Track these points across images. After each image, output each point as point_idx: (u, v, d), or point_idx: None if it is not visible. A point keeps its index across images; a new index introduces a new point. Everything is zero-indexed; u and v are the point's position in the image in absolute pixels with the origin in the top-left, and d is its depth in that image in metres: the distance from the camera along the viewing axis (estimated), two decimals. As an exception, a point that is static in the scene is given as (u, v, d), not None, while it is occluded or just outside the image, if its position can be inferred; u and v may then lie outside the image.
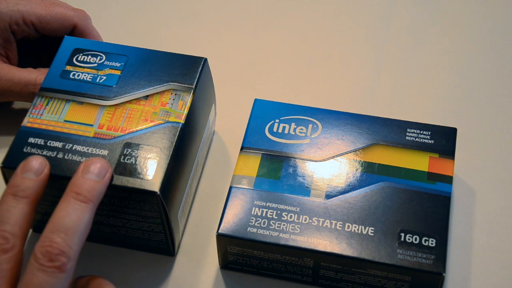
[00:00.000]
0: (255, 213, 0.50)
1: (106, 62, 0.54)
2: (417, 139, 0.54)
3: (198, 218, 0.56)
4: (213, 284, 0.53)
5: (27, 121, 0.51)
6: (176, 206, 0.51)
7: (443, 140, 0.54)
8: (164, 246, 0.53)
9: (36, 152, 0.49)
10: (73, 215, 0.44)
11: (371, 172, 0.52)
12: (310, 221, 0.50)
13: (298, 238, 0.49)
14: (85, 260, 0.54)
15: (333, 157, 0.53)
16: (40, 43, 0.62)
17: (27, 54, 0.62)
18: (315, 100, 0.62)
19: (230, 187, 0.52)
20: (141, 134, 0.51)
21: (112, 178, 0.48)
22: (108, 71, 0.54)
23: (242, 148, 0.53)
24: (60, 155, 0.49)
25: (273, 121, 0.55)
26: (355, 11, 0.69)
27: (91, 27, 0.61)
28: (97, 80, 0.53)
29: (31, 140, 0.50)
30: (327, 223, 0.50)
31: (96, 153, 0.49)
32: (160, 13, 0.69)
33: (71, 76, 0.54)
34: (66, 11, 0.60)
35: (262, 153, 0.53)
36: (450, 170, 0.52)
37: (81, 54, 0.55)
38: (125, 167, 0.49)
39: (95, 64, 0.54)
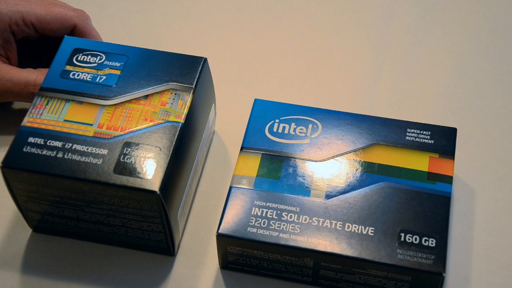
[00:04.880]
0: (255, 213, 0.50)
1: (106, 62, 0.54)
2: (417, 139, 0.54)
3: (198, 218, 0.56)
4: (213, 284, 0.53)
5: (27, 121, 0.51)
6: (176, 206, 0.51)
7: (443, 140, 0.53)
8: (164, 246, 0.53)
9: (36, 152, 0.49)
10: None
11: (371, 172, 0.52)
12: (310, 221, 0.50)
13: (298, 238, 0.49)
14: (85, 260, 0.54)
15: (333, 157, 0.53)
16: (40, 43, 0.62)
17: (27, 54, 0.62)
18: (315, 100, 0.62)
19: (230, 187, 0.52)
20: (141, 133, 0.51)
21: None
22: (108, 71, 0.54)
23: (242, 148, 0.53)
24: (60, 155, 0.49)
25: (273, 121, 0.55)
26: (355, 11, 0.69)
27: (91, 27, 0.61)
28: (97, 80, 0.53)
29: (31, 139, 0.50)
30: (327, 223, 0.50)
31: (96, 152, 0.49)
32: (160, 13, 0.69)
33: (71, 76, 0.54)
34: (66, 11, 0.60)
35: (262, 153, 0.53)
36: (450, 170, 0.52)
37: (81, 54, 0.55)
38: (125, 167, 0.49)
39: (95, 64, 0.54)
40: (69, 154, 0.49)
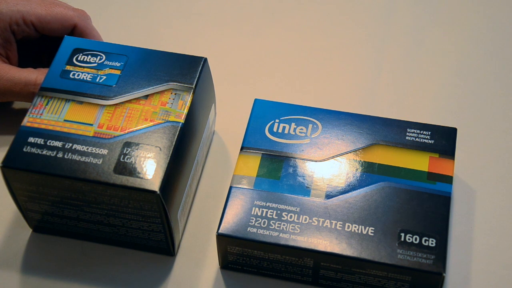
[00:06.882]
0: (255, 213, 0.50)
1: (106, 62, 0.54)
2: (417, 139, 0.54)
3: (198, 218, 0.56)
4: (213, 284, 0.53)
5: (27, 121, 0.51)
6: (176, 206, 0.51)
7: (443, 140, 0.53)
8: (164, 246, 0.53)
9: (36, 152, 0.49)
10: None
11: (371, 172, 0.52)
12: (310, 221, 0.50)
13: (298, 238, 0.49)
14: (85, 260, 0.54)
15: (333, 157, 0.53)
16: (40, 43, 0.62)
17: (27, 54, 0.62)
18: (315, 100, 0.62)
19: (230, 187, 0.52)
20: (141, 133, 0.51)
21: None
22: (108, 71, 0.54)
23: (242, 148, 0.53)
24: (60, 155, 0.49)
25: (273, 121, 0.55)
26: (355, 11, 0.69)
27: (91, 27, 0.61)
28: (97, 80, 0.53)
29: (31, 139, 0.50)
30: (327, 223, 0.50)
31: (96, 152, 0.49)
32: (160, 13, 0.69)
33: (71, 76, 0.54)
34: (66, 11, 0.60)
35: (262, 153, 0.53)
36: (450, 170, 0.52)
37: (81, 54, 0.55)
38: (125, 167, 0.49)
39: (95, 64, 0.54)
40: (69, 154, 0.49)
